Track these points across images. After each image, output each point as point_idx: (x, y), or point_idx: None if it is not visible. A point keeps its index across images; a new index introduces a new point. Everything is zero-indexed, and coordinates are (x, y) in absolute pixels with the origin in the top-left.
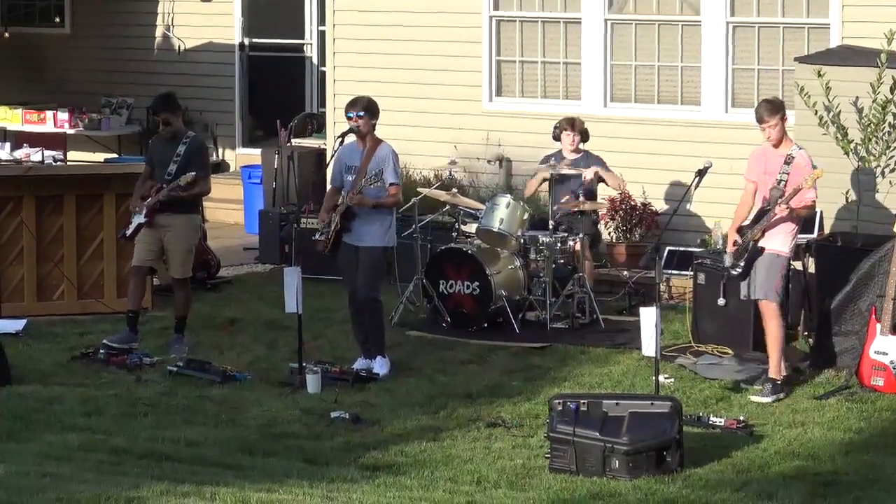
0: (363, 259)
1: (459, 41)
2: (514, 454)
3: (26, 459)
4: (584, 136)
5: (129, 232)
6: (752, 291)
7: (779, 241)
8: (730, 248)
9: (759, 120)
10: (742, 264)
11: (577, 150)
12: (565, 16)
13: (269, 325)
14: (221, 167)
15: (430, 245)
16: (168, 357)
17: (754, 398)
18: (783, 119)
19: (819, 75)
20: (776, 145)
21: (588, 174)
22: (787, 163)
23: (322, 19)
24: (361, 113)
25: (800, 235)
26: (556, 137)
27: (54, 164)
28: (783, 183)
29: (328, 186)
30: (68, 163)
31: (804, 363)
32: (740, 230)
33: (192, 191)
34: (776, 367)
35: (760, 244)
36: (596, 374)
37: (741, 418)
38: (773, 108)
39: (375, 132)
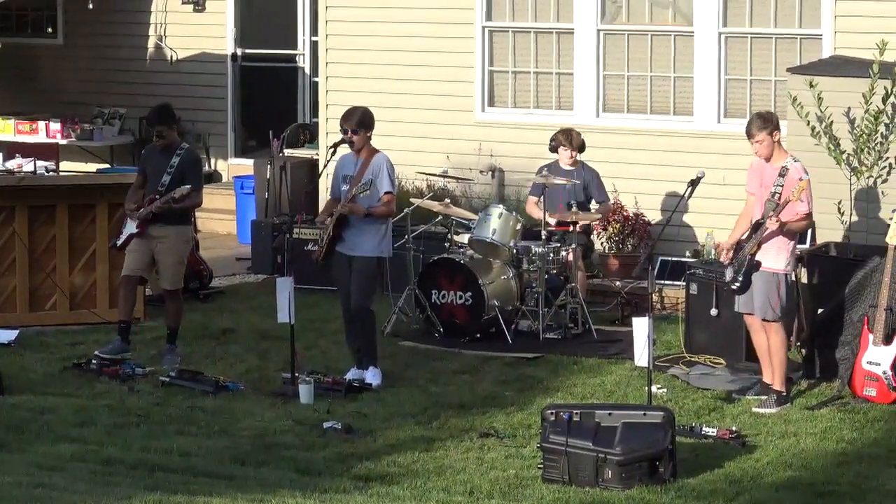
0: (356, 269)
1: (452, 51)
2: (506, 464)
3: (19, 470)
4: (581, 148)
5: (119, 242)
6: (748, 307)
7: (772, 256)
8: (723, 258)
9: (749, 135)
10: (741, 279)
11: (573, 163)
12: (558, 26)
13: (261, 336)
14: (214, 178)
15: (423, 255)
16: (160, 367)
17: (758, 409)
18: (772, 134)
19: (811, 86)
20: (767, 159)
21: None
22: (781, 175)
23: (314, 30)
24: (356, 129)
25: None
26: (553, 150)
27: (47, 174)
28: (777, 195)
29: (321, 196)
30: (61, 173)
31: (797, 374)
32: (738, 244)
33: (184, 203)
34: (781, 380)
35: (757, 258)
36: (588, 385)
37: (734, 429)
38: (762, 124)
39: (371, 143)
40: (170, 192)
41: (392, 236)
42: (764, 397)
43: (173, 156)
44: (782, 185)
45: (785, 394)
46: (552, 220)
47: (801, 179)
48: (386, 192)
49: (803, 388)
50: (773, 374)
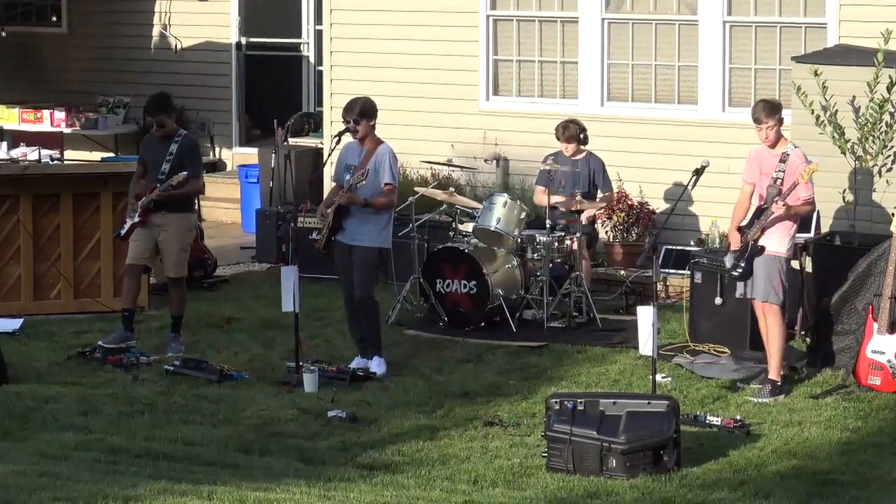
0: (357, 259)
1: (456, 40)
2: (511, 453)
3: (23, 458)
4: (576, 139)
5: (123, 231)
6: (752, 292)
7: (776, 240)
8: (734, 247)
9: (757, 120)
10: (743, 264)
11: (578, 152)
12: (562, 15)
13: (266, 324)
14: (218, 166)
15: (427, 244)
16: (165, 356)
17: (752, 398)
18: (780, 120)
19: (816, 74)
20: (772, 146)
21: (583, 217)
22: (782, 161)
23: (319, 18)
24: (357, 119)
25: (797, 235)
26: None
27: (51, 163)
28: (779, 181)
29: (325, 185)
30: (65, 162)
31: (801, 362)
32: (739, 230)
33: (184, 189)
34: (776, 369)
35: (760, 243)
36: (593, 374)
37: (738, 417)
38: (771, 109)
39: (376, 132)
40: (169, 180)
41: (394, 226)
42: (759, 386)
43: (172, 143)
44: (784, 171)
45: (780, 383)
46: (557, 200)
47: (809, 163)
48: (387, 184)
49: (808, 377)
50: (768, 362)
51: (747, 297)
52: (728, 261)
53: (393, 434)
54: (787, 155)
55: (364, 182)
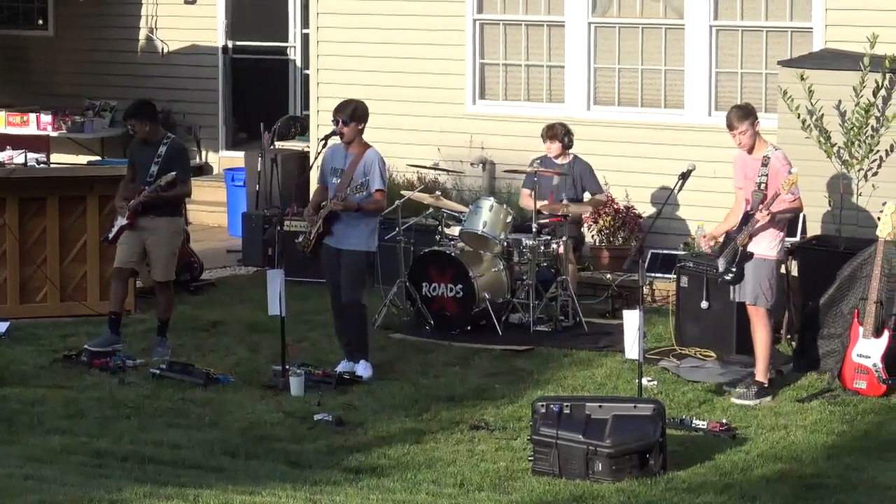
0: (345, 263)
1: (443, 44)
2: (497, 457)
3: (9, 462)
4: (567, 142)
5: (111, 235)
6: (742, 295)
7: (765, 244)
8: (704, 246)
9: (730, 126)
10: (734, 269)
11: (564, 155)
12: (549, 19)
13: (252, 328)
14: (205, 170)
15: (414, 248)
16: (151, 360)
17: (736, 400)
18: (754, 124)
19: (802, 79)
20: (750, 150)
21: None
22: (764, 165)
23: (305, 22)
24: (346, 119)
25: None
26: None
27: (37, 166)
28: (763, 185)
29: (311, 189)
30: (51, 165)
31: (787, 366)
32: (727, 235)
33: (172, 191)
34: (763, 371)
35: (749, 249)
36: (579, 377)
37: (724, 421)
38: (742, 114)
39: (363, 136)
40: (157, 181)
41: (381, 229)
42: (743, 389)
43: (160, 146)
44: (766, 175)
45: (766, 385)
46: (542, 205)
47: (789, 172)
48: (378, 190)
49: (794, 381)
50: (755, 364)
51: (738, 300)
52: (721, 265)
53: (379, 437)
54: (769, 158)
55: (363, 194)
